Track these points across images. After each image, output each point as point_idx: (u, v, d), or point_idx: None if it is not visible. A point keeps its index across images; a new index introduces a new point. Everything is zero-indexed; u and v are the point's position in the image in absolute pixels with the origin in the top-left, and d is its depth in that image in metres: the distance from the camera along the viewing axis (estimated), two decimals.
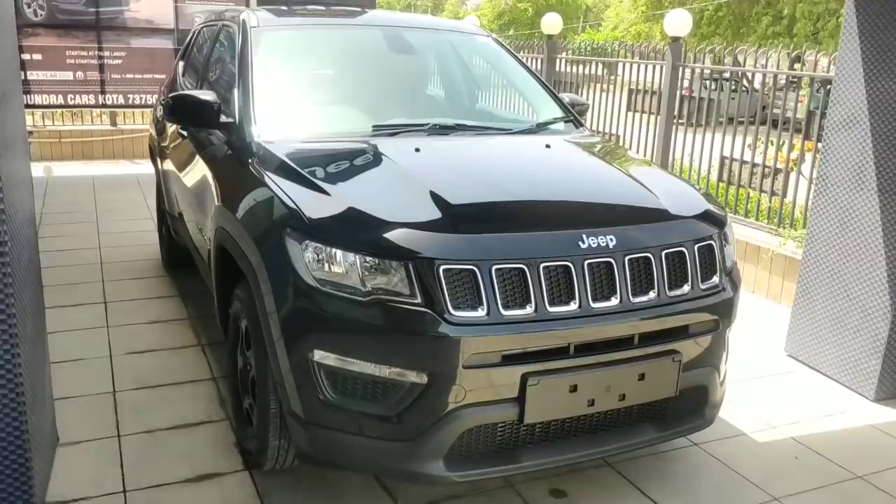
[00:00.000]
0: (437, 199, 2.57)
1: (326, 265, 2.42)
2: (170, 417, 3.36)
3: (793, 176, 5.51)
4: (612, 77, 7.81)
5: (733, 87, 7.46)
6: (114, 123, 9.76)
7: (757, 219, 5.71)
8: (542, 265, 2.39)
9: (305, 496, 2.83)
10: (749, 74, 6.25)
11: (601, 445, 2.59)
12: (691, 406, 2.79)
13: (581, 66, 8.08)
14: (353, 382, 2.41)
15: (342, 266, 2.40)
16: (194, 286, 4.92)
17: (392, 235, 2.39)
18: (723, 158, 6.03)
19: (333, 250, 2.41)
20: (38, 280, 3.02)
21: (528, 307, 2.37)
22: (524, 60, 8.64)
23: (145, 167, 8.71)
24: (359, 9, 4.71)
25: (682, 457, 3.20)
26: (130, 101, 9.11)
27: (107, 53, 8.87)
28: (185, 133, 4.00)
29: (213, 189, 3.32)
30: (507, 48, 4.28)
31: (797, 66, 5.78)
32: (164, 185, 4.99)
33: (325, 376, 2.43)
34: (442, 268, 2.31)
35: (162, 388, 3.64)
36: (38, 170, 8.79)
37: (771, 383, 3.98)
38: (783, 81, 5.80)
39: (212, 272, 3.34)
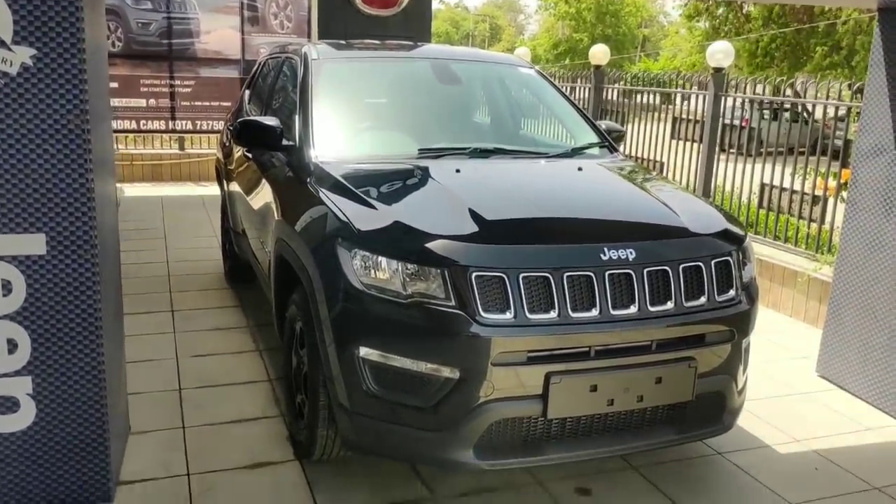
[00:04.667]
0: (474, 215, 2.85)
1: (372, 271, 2.71)
2: (229, 413, 3.68)
3: (832, 202, 5.63)
4: (665, 106, 8.03)
5: (795, 119, 7.56)
6: (182, 148, 10.34)
7: (796, 244, 5.83)
8: (565, 274, 2.64)
9: (349, 483, 3.10)
10: (807, 105, 6.39)
11: (621, 443, 2.81)
12: (709, 411, 2.98)
13: (630, 96, 8.31)
14: (394, 376, 2.68)
15: (386, 272, 2.68)
16: (253, 298, 5.28)
17: (431, 245, 2.67)
18: (763, 185, 6.18)
19: (379, 258, 2.70)
20: (119, 286, 3.38)
21: (552, 312, 2.61)
22: (577, 89, 8.96)
23: (210, 189, 9.20)
24: (411, 42, 5.07)
25: (704, 464, 3.38)
26: (198, 127, 9.68)
27: (177, 82, 9.47)
28: (249, 155, 4.38)
29: (274, 205, 3.66)
30: (548, 79, 4.56)
31: (846, 95, 5.88)
32: (228, 205, 5.39)
33: (370, 371, 2.71)
34: (475, 274, 2.58)
35: (223, 387, 3.97)
36: None
37: (799, 401, 4.12)
38: (843, 112, 5.90)
39: (271, 281, 3.68)
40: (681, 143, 7.21)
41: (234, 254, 5.38)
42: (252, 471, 3.19)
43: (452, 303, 2.59)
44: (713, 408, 2.99)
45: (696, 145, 7.02)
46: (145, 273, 5.92)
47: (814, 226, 5.77)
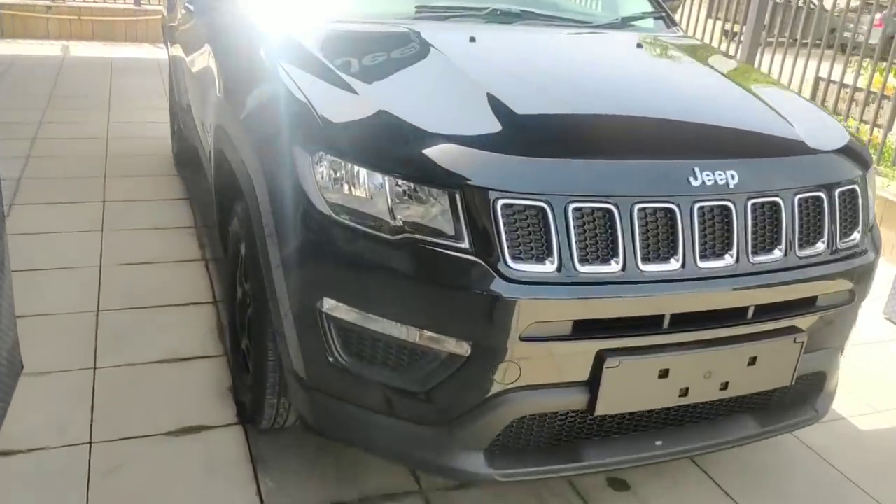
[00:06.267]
0: (496, 106, 1.92)
1: (345, 186, 1.80)
2: (157, 348, 2.83)
3: None
4: None
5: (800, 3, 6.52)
6: (138, 3, 9.04)
7: None
8: (636, 206, 1.74)
9: (308, 465, 2.30)
10: None
11: (688, 443, 2.00)
12: (802, 395, 2.18)
13: None
14: (372, 344, 1.83)
15: (365, 189, 1.78)
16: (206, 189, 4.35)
17: (435, 152, 1.75)
18: (818, 80, 5.21)
19: (355, 167, 1.79)
20: None
21: (613, 263, 1.74)
22: None
23: None
24: None
25: (769, 446, 2.60)
26: None
27: None
28: (192, 8, 3.33)
29: (216, 78, 2.69)
30: None
31: None
32: (173, 72, 4.36)
33: (337, 333, 1.85)
34: (501, 202, 1.68)
35: (153, 310, 3.11)
36: (54, 48, 8.20)
37: (870, 353, 3.34)
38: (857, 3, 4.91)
39: (211, 178, 2.76)
40: (717, 23, 6.16)
41: (183, 134, 4.40)
42: (178, 439, 2.38)
43: (465, 244, 1.70)
44: (808, 391, 2.19)
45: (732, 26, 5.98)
46: (77, 151, 4.93)
47: (877, 132, 4.86)
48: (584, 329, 1.75)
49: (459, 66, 2.18)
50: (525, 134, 1.85)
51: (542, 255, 1.70)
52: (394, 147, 1.81)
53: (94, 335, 2.89)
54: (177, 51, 4.02)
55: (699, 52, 2.75)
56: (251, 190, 2.05)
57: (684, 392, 1.87)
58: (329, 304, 1.83)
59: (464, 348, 1.73)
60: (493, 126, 1.87)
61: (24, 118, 5.53)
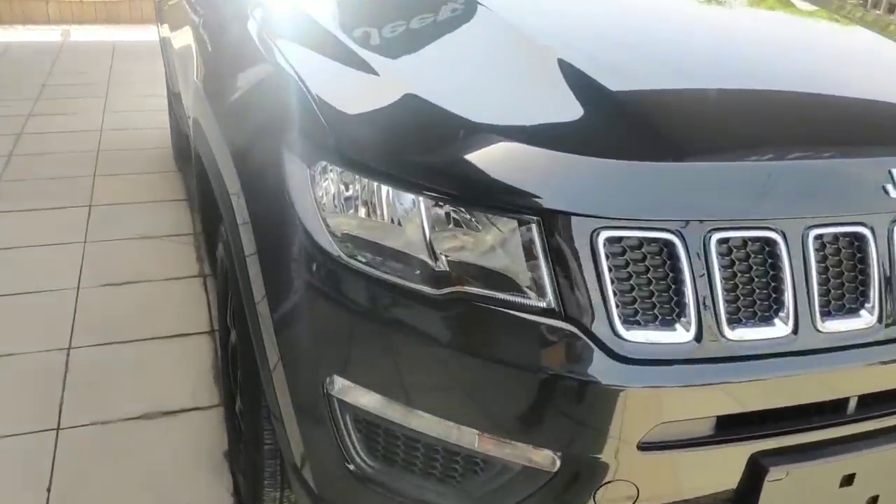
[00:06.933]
0: (577, 80, 1.30)
1: (359, 211, 1.20)
2: (139, 398, 2.27)
3: None
4: None
5: None
6: None
7: None
8: (812, 233, 1.12)
9: None
10: None
11: None
12: None
13: None
14: (407, 445, 1.23)
15: (389, 216, 1.17)
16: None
17: (493, 158, 1.14)
18: None
19: (373, 184, 1.18)
20: None
21: (779, 322, 1.12)
22: None
23: None
24: None
25: None
26: None
27: None
28: None
29: (194, 56, 2.09)
30: None
31: None
32: (165, 55, 3.79)
33: (354, 426, 1.26)
34: (604, 235, 1.07)
35: (137, 344, 2.55)
36: (54, 34, 7.65)
37: None
38: None
39: (194, 181, 2.18)
40: None
41: (178, 125, 3.82)
42: None
43: (548, 301, 1.09)
44: None
45: None
46: (67, 146, 4.38)
47: None
48: (732, 425, 1.14)
49: (518, 27, 1.55)
50: (628, 124, 1.23)
51: (671, 316, 1.09)
52: (430, 151, 1.20)
53: (62, 382, 2.34)
54: (165, 29, 3.44)
55: (835, 8, 2.09)
56: (230, 212, 1.46)
57: (872, 501, 1.26)
58: (340, 385, 1.24)
59: (549, 460, 1.13)
60: (574, 112, 1.26)
61: (11, 111, 4.98)
